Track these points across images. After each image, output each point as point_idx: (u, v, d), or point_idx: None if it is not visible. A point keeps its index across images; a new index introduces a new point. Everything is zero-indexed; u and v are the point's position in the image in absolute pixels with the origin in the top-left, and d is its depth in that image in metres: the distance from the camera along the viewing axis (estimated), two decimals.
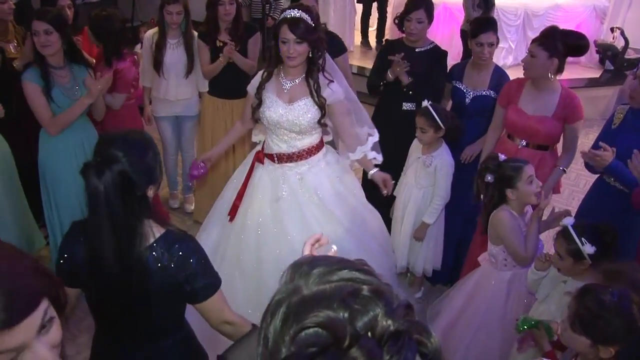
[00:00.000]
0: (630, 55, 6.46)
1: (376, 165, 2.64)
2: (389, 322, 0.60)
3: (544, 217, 2.51)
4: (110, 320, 1.58)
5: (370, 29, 7.26)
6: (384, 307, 0.61)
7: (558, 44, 2.69)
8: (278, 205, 2.51)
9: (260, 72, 2.52)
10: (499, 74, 3.14)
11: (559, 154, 2.94)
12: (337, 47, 3.34)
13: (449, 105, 3.30)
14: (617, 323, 1.45)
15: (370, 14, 7.07)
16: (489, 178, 2.40)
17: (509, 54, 6.62)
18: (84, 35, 3.55)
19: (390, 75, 3.17)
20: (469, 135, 3.14)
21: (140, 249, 1.46)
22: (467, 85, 3.15)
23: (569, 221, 2.10)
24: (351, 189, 2.68)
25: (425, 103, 2.91)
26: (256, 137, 2.77)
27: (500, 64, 5.12)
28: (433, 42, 3.30)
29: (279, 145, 2.52)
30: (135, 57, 3.61)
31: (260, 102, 2.48)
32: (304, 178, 2.52)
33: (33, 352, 0.78)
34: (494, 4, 5.32)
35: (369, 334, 0.60)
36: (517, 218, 2.39)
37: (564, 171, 2.88)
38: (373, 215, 2.77)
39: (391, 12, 6.82)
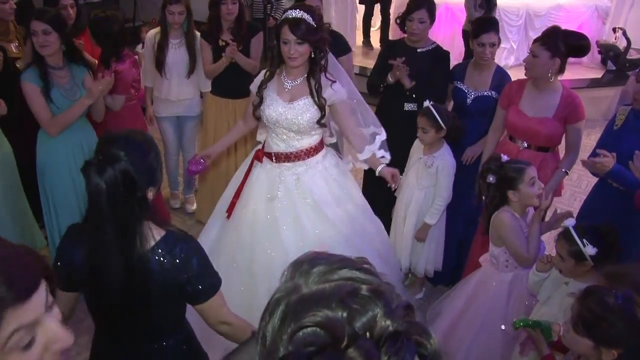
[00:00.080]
0: (632, 55, 6.45)
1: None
2: (388, 322, 0.59)
3: (546, 219, 2.51)
4: (111, 321, 1.58)
5: (372, 29, 7.25)
6: (383, 307, 0.60)
7: (560, 44, 2.68)
8: (273, 205, 2.51)
9: (263, 71, 2.52)
10: (501, 74, 3.14)
11: (561, 156, 2.94)
12: (341, 46, 3.34)
13: (450, 105, 3.30)
14: (621, 325, 1.44)
15: (373, 15, 7.07)
16: (491, 179, 2.39)
17: (510, 55, 6.61)
18: (86, 36, 3.55)
19: (390, 79, 3.16)
20: (470, 136, 3.13)
21: (142, 250, 1.45)
22: (468, 86, 3.14)
23: (570, 222, 2.09)
24: (350, 194, 2.66)
25: (426, 103, 2.91)
26: (260, 136, 2.77)
27: (502, 64, 5.11)
28: (435, 42, 3.29)
29: (277, 145, 2.52)
30: (136, 57, 3.61)
31: (261, 100, 2.48)
32: (300, 179, 2.52)
33: (46, 328, 0.80)
34: (495, 4, 5.31)
35: (368, 334, 0.59)
36: (519, 219, 2.38)
37: (566, 173, 2.87)
38: (374, 225, 2.75)
39: (393, 12, 6.81)
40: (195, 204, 4.22)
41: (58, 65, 2.81)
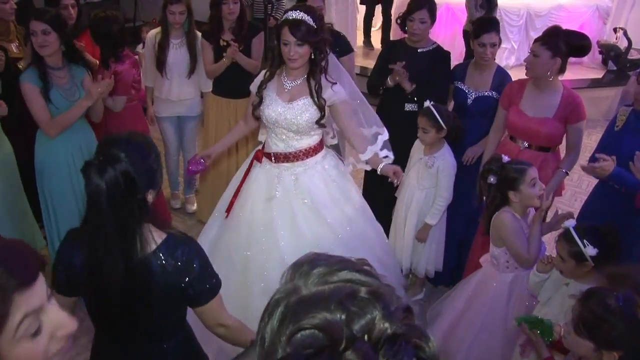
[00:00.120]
0: (633, 55, 6.44)
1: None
2: (386, 325, 0.59)
3: (547, 219, 2.50)
4: (111, 323, 1.57)
5: (372, 29, 7.25)
6: (381, 310, 0.60)
7: (561, 43, 2.68)
8: (270, 205, 2.51)
9: (263, 72, 2.51)
10: (502, 74, 3.13)
11: (562, 156, 2.93)
12: (343, 47, 3.33)
13: (450, 105, 3.29)
14: (622, 327, 1.43)
15: (374, 15, 7.06)
16: (492, 179, 2.39)
17: (511, 55, 6.61)
18: (87, 36, 3.55)
19: (390, 82, 3.16)
20: (471, 136, 3.13)
21: (143, 253, 1.45)
22: (469, 86, 3.14)
23: (570, 223, 2.09)
24: (349, 197, 2.64)
25: (427, 103, 2.90)
26: (262, 136, 2.78)
27: (502, 64, 5.11)
28: (435, 42, 3.29)
29: (277, 145, 2.52)
30: (136, 57, 3.60)
31: (261, 100, 2.48)
32: (299, 179, 2.51)
33: (50, 315, 0.82)
34: (496, 4, 5.31)
35: (366, 337, 0.59)
36: (520, 220, 2.38)
37: (567, 173, 2.87)
38: (373, 228, 2.73)
39: (394, 13, 6.81)
40: (195, 204, 4.22)
41: (57, 65, 2.80)
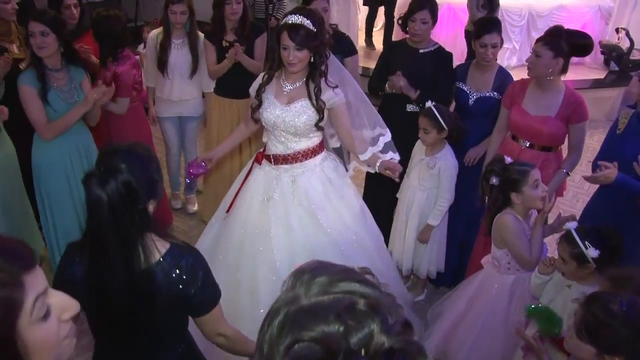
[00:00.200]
0: (635, 56, 6.42)
1: None
2: (383, 339, 0.59)
3: (550, 221, 2.49)
4: (113, 335, 1.56)
5: (374, 29, 7.24)
6: (379, 323, 0.60)
7: (563, 43, 2.67)
8: (267, 206, 2.50)
9: (262, 74, 2.50)
10: (503, 75, 3.12)
11: (564, 156, 2.92)
12: (347, 48, 3.33)
13: (452, 106, 3.28)
14: (624, 332, 1.42)
15: (376, 16, 7.06)
16: (494, 181, 2.38)
17: (513, 55, 6.59)
18: (90, 36, 3.55)
19: (387, 89, 3.15)
20: (473, 137, 3.12)
21: (147, 263, 1.45)
22: (470, 87, 3.13)
23: (572, 225, 2.08)
24: (348, 203, 2.60)
25: (429, 104, 2.90)
26: (266, 138, 2.77)
27: (504, 64, 5.10)
28: (437, 43, 3.28)
29: (276, 147, 2.52)
30: (137, 58, 3.59)
31: (260, 103, 2.47)
32: (297, 181, 2.50)
33: (54, 297, 0.85)
34: (498, 5, 5.29)
35: (363, 350, 0.59)
36: (522, 222, 2.37)
37: (568, 174, 2.86)
38: (370, 236, 2.67)
39: (395, 13, 6.80)
40: (196, 205, 4.22)
41: (56, 67, 2.79)
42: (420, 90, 3.09)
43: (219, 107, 3.69)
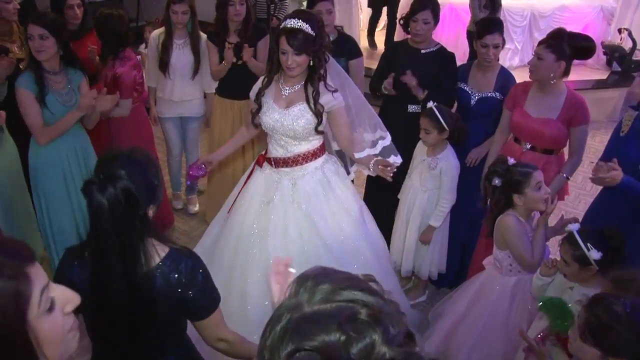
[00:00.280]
0: (637, 56, 6.41)
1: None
2: (385, 349, 0.59)
3: (552, 223, 2.48)
4: (112, 339, 1.56)
5: (377, 29, 7.23)
6: (381, 334, 0.60)
7: (565, 46, 2.66)
8: (266, 209, 2.50)
9: (261, 78, 2.49)
10: (505, 75, 3.12)
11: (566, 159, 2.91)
12: (352, 50, 3.32)
13: (454, 107, 3.27)
14: (628, 335, 1.41)
15: (380, 17, 7.06)
16: (497, 182, 2.37)
17: (515, 55, 6.58)
18: (93, 37, 3.54)
19: (384, 90, 3.15)
20: (474, 137, 3.12)
21: (148, 267, 1.45)
22: (472, 87, 3.12)
23: (574, 226, 2.07)
24: (347, 209, 2.56)
25: (430, 104, 2.89)
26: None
27: (506, 65, 5.09)
28: (439, 43, 3.27)
29: (277, 150, 2.51)
30: (138, 58, 3.58)
31: (259, 107, 2.47)
32: (297, 184, 2.49)
33: (56, 290, 0.87)
34: (500, 5, 5.28)
35: None
36: (524, 223, 2.37)
37: (567, 178, 2.85)
38: (370, 248, 2.61)
39: (398, 13, 6.80)
40: (197, 205, 4.22)
41: (54, 70, 2.76)
42: (431, 98, 3.07)
43: (220, 108, 3.69)
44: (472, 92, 3.11)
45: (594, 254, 1.96)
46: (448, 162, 2.92)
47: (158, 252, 1.49)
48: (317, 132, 2.44)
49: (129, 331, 1.49)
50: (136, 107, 3.52)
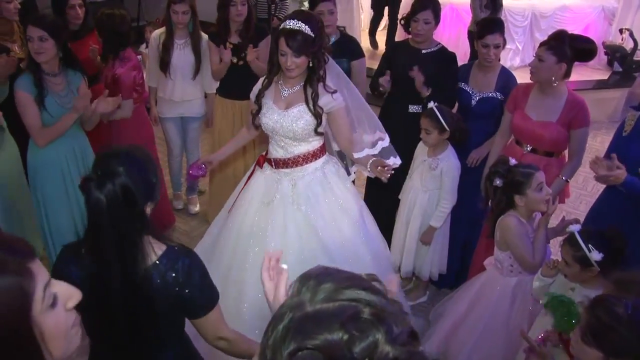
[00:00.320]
0: (639, 57, 6.40)
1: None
2: (388, 349, 0.59)
3: (553, 224, 2.48)
4: (110, 337, 1.55)
5: (378, 29, 7.23)
6: (384, 333, 0.60)
7: (566, 48, 2.66)
8: (266, 210, 2.49)
9: (261, 79, 2.49)
10: (506, 75, 3.11)
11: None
12: (354, 50, 3.32)
13: (454, 107, 3.27)
14: (630, 336, 1.41)
15: (382, 18, 7.05)
16: (498, 182, 2.37)
17: (516, 56, 6.57)
18: (94, 36, 3.54)
19: (381, 88, 3.14)
20: (475, 138, 3.11)
21: (144, 265, 1.45)
22: (472, 87, 3.12)
23: (575, 227, 2.07)
24: (347, 211, 2.55)
25: (431, 104, 2.88)
26: None
27: (507, 65, 5.08)
28: (440, 43, 3.27)
29: (277, 151, 2.51)
30: (139, 58, 3.58)
31: (259, 109, 2.46)
32: (297, 185, 2.48)
33: (57, 286, 0.88)
34: (501, 5, 5.28)
35: None
36: (525, 224, 2.36)
37: (567, 181, 2.84)
38: (369, 248, 2.58)
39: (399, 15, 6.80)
40: (198, 205, 4.22)
41: (54, 71, 2.74)
42: (434, 97, 3.06)
43: (221, 108, 3.69)
44: (472, 93, 3.11)
45: (595, 255, 1.95)
46: (449, 162, 2.91)
47: (155, 250, 1.49)
48: (317, 133, 2.44)
49: (127, 329, 1.49)
50: (137, 107, 3.52)
